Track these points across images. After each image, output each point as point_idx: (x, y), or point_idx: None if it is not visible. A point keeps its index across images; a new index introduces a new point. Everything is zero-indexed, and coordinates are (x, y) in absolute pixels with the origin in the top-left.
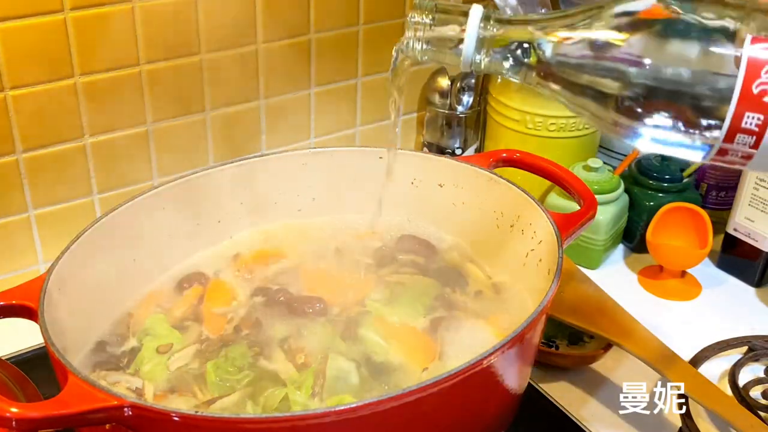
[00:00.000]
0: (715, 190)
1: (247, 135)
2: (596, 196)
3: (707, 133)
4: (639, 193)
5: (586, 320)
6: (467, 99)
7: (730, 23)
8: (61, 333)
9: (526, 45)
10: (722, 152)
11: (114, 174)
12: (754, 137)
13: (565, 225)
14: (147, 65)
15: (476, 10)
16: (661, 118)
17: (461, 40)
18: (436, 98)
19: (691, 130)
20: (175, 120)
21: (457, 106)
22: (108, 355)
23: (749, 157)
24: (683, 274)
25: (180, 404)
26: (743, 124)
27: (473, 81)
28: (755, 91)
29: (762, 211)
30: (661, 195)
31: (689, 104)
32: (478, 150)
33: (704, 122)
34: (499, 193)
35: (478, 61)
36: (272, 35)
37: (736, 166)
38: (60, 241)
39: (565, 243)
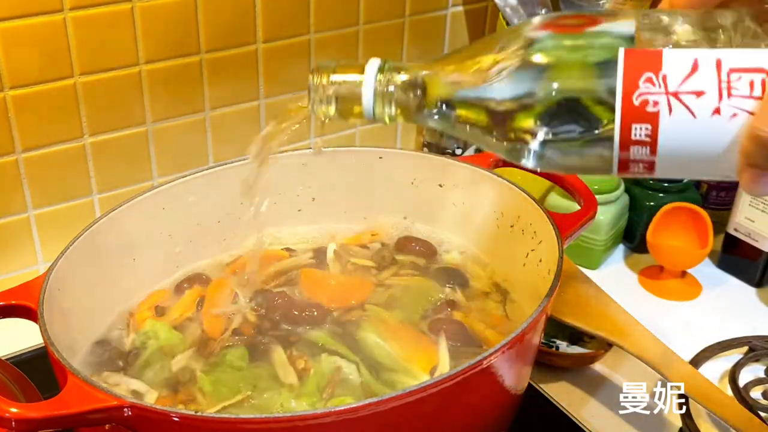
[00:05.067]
0: (715, 190)
1: (247, 135)
2: (596, 196)
3: (605, 153)
4: (639, 193)
5: (587, 320)
6: None
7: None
8: (61, 333)
9: (418, 95)
10: (623, 166)
11: (114, 174)
12: (648, 147)
13: (565, 225)
14: (147, 65)
15: (371, 66)
16: (557, 142)
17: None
18: None
19: (589, 154)
20: (175, 120)
21: None
22: (108, 355)
23: (652, 166)
24: (683, 274)
25: (180, 405)
26: (633, 137)
27: None
28: (636, 102)
29: (762, 211)
30: (661, 195)
31: (582, 126)
32: (478, 150)
33: (599, 141)
34: (499, 193)
35: (381, 114)
36: (272, 35)
37: (645, 176)
38: (60, 241)
39: (565, 243)
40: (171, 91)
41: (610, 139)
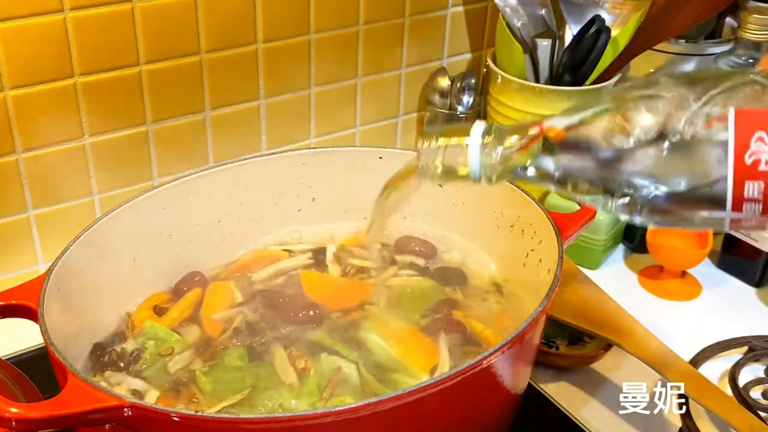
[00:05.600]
0: None
1: (248, 135)
2: None
3: (716, 212)
4: None
5: (587, 320)
6: (467, 99)
7: (713, 102)
8: (61, 333)
9: (525, 158)
10: (736, 223)
11: (114, 174)
12: (761, 204)
13: (565, 225)
14: (147, 65)
15: (476, 130)
16: (672, 209)
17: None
18: (436, 98)
19: (701, 213)
20: (175, 120)
21: (457, 106)
22: (108, 355)
23: (764, 222)
24: (683, 274)
25: (180, 405)
26: (746, 195)
27: (473, 81)
28: (748, 162)
29: None
30: None
31: (695, 194)
32: None
33: (712, 202)
34: (499, 193)
35: (487, 175)
36: (272, 35)
37: (758, 231)
38: (60, 241)
39: (565, 243)
40: (171, 91)
41: (724, 200)
